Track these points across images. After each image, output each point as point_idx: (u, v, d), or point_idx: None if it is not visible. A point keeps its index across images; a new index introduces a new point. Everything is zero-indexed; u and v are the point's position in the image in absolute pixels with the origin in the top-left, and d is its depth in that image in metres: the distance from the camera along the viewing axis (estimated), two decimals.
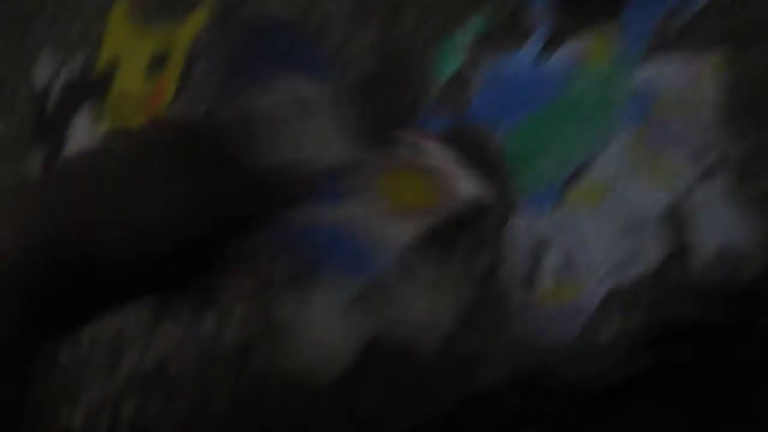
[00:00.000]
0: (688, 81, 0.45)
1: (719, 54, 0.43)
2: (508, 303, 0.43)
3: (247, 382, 0.50)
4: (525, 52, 0.51)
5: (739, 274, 0.38)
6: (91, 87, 0.68)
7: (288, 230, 0.48)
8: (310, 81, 0.49)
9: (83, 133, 0.67)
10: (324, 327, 0.48)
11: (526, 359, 0.42)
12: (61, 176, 0.38)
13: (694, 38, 0.44)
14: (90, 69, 0.69)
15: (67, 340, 0.48)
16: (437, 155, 0.46)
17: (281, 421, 0.48)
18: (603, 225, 0.44)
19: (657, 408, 0.40)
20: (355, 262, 0.46)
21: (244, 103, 0.48)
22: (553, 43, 0.51)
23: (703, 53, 0.43)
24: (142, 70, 0.67)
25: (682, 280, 0.40)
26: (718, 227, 0.40)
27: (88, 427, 0.55)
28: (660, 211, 0.43)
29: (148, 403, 0.53)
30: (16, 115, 0.71)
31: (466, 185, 0.45)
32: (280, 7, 0.56)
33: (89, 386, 0.57)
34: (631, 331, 0.40)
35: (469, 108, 0.51)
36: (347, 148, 0.48)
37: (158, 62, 0.67)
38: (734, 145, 0.40)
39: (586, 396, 0.40)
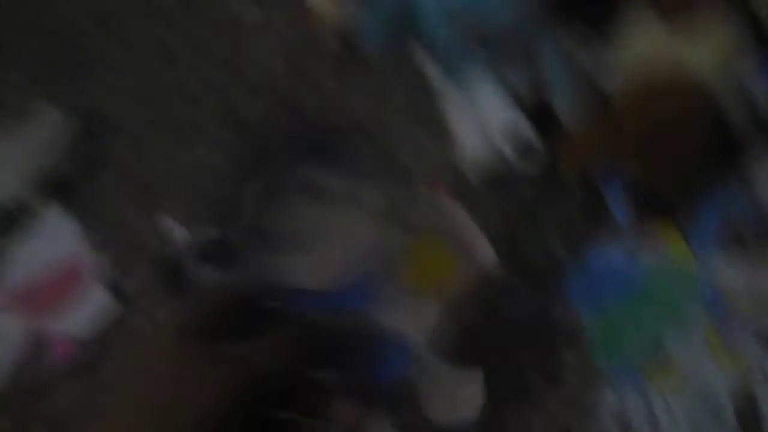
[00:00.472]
0: (756, 275, 0.53)
1: None
2: None
3: None
4: (614, 246, 0.60)
5: None
6: (224, 251, 0.79)
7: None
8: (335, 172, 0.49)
9: None
10: None
11: None
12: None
13: (760, 237, 0.52)
14: (222, 238, 0.80)
15: None
16: (454, 215, 0.46)
17: None
18: (681, 403, 0.52)
19: None
20: (390, 353, 0.45)
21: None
22: (637, 238, 0.60)
23: None
24: None
25: None
26: None
27: None
28: (732, 389, 0.50)
29: None
30: (151, 270, 0.81)
31: (485, 249, 0.45)
32: None
33: None
34: None
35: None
36: (374, 234, 0.47)
37: None
38: None
39: None
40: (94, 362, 0.77)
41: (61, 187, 0.91)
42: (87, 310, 0.80)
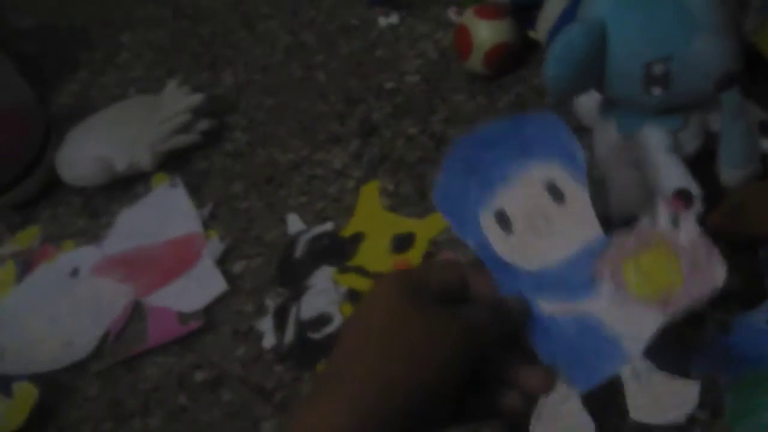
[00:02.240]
0: None
1: None
2: None
3: None
4: (758, 313, 0.57)
5: None
6: (337, 247, 0.77)
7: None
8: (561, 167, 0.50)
9: (323, 287, 0.75)
10: None
11: None
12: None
13: None
14: (336, 234, 0.79)
15: None
16: (690, 230, 0.45)
17: None
18: None
19: None
20: (602, 354, 0.46)
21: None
22: None
23: None
24: (385, 246, 0.76)
25: None
26: None
27: None
28: None
29: None
30: (261, 256, 0.80)
31: (719, 271, 0.44)
32: None
33: None
34: None
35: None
36: (596, 229, 0.48)
37: (401, 243, 0.76)
38: None
39: None
40: (194, 338, 0.76)
41: (179, 161, 0.91)
42: (193, 286, 0.79)
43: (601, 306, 0.46)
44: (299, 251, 0.79)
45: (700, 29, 0.60)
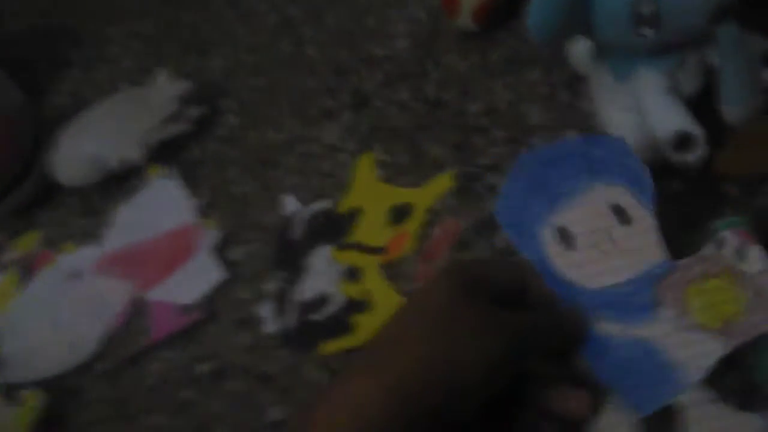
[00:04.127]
0: None
1: None
2: None
3: None
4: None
5: None
6: (335, 225, 0.75)
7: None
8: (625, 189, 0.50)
9: (322, 267, 0.72)
10: None
11: None
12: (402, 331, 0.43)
13: None
14: (333, 210, 0.76)
15: None
16: (760, 262, 0.45)
17: None
18: None
19: None
20: (660, 379, 0.45)
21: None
22: None
23: None
24: (382, 219, 0.74)
25: None
26: None
27: None
28: None
29: None
30: (259, 240, 0.78)
31: None
32: None
33: None
34: None
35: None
36: (661, 253, 0.48)
37: (399, 214, 0.73)
38: None
39: None
40: (196, 330, 0.74)
41: (171, 152, 0.89)
42: (192, 277, 0.77)
43: (662, 331, 0.46)
44: (296, 232, 0.76)
45: None
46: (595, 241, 0.50)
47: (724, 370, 0.45)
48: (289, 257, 0.75)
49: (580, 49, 0.70)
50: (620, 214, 0.50)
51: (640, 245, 0.49)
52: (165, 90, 0.90)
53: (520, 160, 0.53)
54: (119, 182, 0.90)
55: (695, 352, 0.45)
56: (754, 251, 0.45)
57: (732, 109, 0.60)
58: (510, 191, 0.53)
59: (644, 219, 0.49)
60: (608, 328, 0.47)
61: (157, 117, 0.88)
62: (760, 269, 0.44)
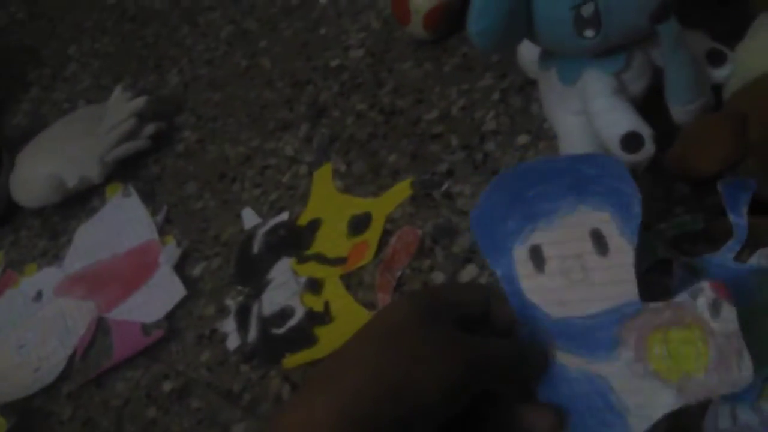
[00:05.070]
0: None
1: None
2: None
3: None
4: (723, 254, 0.55)
5: None
6: (295, 237, 0.75)
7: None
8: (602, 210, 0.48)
9: (283, 278, 0.72)
10: None
11: None
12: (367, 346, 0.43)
13: None
14: (293, 223, 0.76)
15: None
16: (730, 324, 0.43)
17: None
18: None
19: None
20: (607, 422, 0.44)
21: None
22: (747, 247, 0.54)
23: None
24: (342, 230, 0.74)
25: None
26: None
27: None
28: None
29: None
30: (220, 255, 0.78)
31: (745, 373, 0.42)
32: None
33: None
34: None
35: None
36: (632, 292, 0.46)
37: (358, 225, 0.73)
38: None
39: None
40: (159, 348, 0.74)
41: (129, 169, 0.89)
42: (153, 296, 0.77)
43: (617, 372, 0.44)
44: (257, 246, 0.76)
45: None
46: (567, 268, 0.48)
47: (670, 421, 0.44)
48: (250, 272, 0.75)
49: (528, 54, 0.70)
50: (599, 242, 0.48)
51: (612, 280, 0.47)
52: (121, 107, 0.89)
53: (502, 172, 0.52)
54: (80, 202, 0.90)
55: (646, 401, 0.43)
56: (728, 310, 0.43)
57: (679, 108, 0.61)
58: (488, 203, 0.51)
59: (622, 252, 0.47)
60: (566, 359, 0.46)
61: (114, 135, 0.88)
62: (729, 331, 0.43)
